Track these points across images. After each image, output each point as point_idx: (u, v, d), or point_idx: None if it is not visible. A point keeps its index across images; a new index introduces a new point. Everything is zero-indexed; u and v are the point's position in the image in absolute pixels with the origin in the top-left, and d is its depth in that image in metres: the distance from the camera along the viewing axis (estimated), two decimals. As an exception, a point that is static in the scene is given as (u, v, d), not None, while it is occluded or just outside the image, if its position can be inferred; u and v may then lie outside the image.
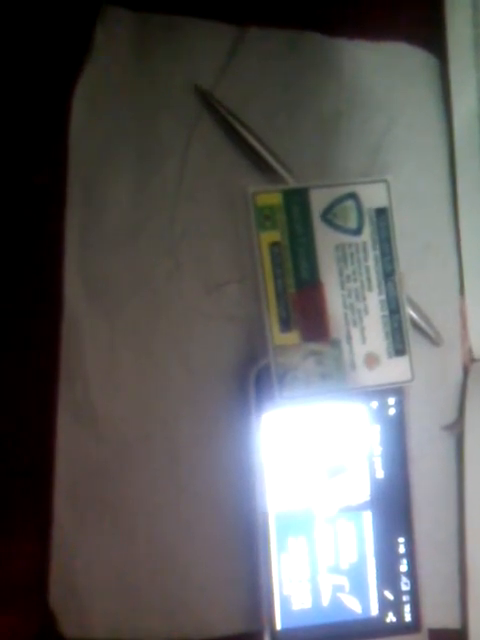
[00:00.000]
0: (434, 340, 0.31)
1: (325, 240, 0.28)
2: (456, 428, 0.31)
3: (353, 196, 0.29)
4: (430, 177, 0.32)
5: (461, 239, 0.31)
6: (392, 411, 0.29)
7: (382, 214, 0.29)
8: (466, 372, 0.31)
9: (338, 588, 0.29)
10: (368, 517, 0.29)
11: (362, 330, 0.29)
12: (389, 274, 0.29)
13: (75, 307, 0.30)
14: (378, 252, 0.29)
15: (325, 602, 0.29)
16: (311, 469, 0.29)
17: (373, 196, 0.29)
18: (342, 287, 0.28)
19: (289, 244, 0.28)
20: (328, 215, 0.28)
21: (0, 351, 0.30)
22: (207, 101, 0.30)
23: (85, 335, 0.30)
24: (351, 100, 0.31)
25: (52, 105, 0.30)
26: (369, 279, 0.29)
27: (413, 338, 0.29)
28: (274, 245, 0.28)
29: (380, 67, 0.31)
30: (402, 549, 0.29)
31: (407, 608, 0.29)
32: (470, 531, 0.30)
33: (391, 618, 0.29)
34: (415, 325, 0.30)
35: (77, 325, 0.30)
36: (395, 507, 0.29)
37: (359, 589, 0.29)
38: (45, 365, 0.30)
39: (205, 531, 0.30)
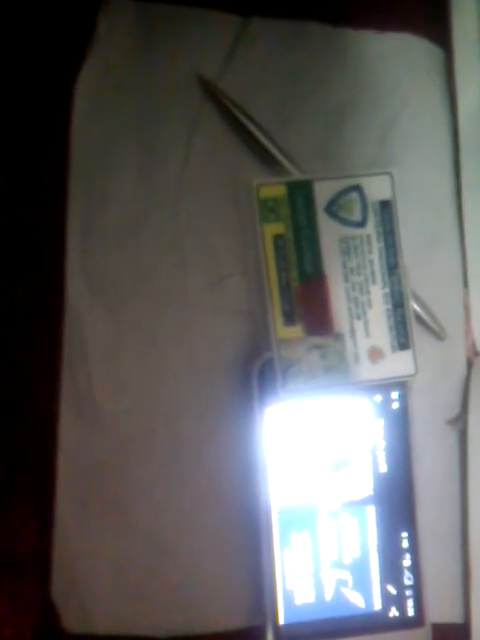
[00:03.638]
0: (438, 334, 0.31)
1: (329, 233, 0.28)
2: (459, 422, 0.31)
3: (357, 188, 0.28)
4: (435, 169, 0.32)
5: (465, 232, 0.31)
6: (395, 405, 0.29)
7: (386, 207, 0.29)
8: (470, 366, 0.31)
9: (341, 583, 0.29)
10: (371, 511, 0.29)
11: (366, 324, 0.28)
12: (393, 267, 0.29)
13: (78, 301, 0.30)
14: (382, 245, 0.29)
15: (328, 597, 0.29)
16: (314, 463, 0.29)
17: (377, 188, 0.28)
18: (346, 280, 0.28)
19: (293, 237, 0.28)
20: (332, 207, 0.28)
21: (2, 346, 0.30)
22: (211, 92, 0.30)
23: (88, 329, 0.30)
24: (356, 91, 0.31)
25: (54, 97, 0.30)
26: (373, 272, 0.28)
27: (417, 332, 0.29)
28: (278, 238, 0.28)
29: (385, 58, 0.31)
30: (405, 544, 0.29)
31: (410, 603, 0.29)
32: (473, 525, 0.30)
33: (394, 613, 0.29)
34: (419, 319, 0.30)
35: (80, 319, 0.30)
36: (398, 501, 0.29)
37: (362, 584, 0.29)
38: (48, 360, 0.30)
39: (208, 526, 0.30)
